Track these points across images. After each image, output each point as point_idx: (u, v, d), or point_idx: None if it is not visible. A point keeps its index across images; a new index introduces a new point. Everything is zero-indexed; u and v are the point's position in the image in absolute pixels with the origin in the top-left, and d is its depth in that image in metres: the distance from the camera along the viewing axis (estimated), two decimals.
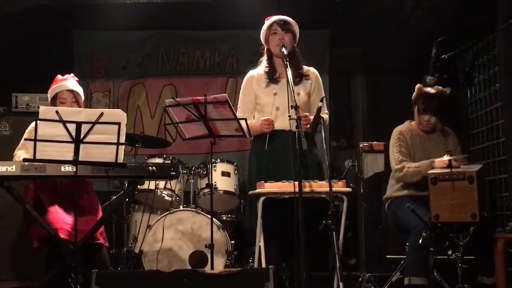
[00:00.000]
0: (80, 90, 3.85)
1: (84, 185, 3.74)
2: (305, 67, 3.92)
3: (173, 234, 4.37)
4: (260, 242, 3.57)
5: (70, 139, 3.11)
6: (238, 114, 3.70)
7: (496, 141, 4.70)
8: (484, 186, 3.97)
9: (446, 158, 3.68)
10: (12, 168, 3.24)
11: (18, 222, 4.26)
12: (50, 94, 3.81)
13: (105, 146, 3.16)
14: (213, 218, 3.99)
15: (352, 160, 4.55)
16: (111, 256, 4.35)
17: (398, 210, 3.93)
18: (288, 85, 3.48)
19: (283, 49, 3.65)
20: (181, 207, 4.55)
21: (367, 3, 5.17)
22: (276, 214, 3.56)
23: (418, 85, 4.04)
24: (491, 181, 4.71)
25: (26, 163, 3.25)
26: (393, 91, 5.64)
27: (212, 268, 3.71)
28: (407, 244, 3.78)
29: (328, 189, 3.32)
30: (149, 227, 4.37)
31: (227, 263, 4.38)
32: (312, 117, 3.67)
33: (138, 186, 4.20)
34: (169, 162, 4.57)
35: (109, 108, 5.60)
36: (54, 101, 3.79)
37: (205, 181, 4.66)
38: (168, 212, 4.44)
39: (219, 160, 4.77)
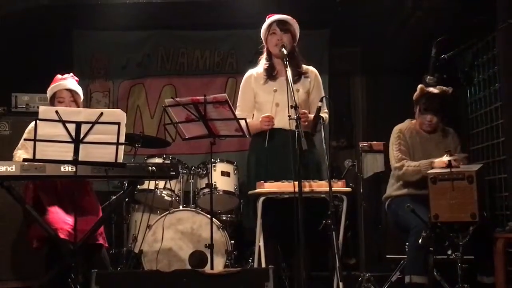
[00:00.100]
0: (79, 89, 3.85)
1: (84, 185, 3.74)
2: (304, 66, 3.92)
3: (173, 234, 4.37)
4: (259, 242, 3.57)
5: (69, 139, 3.11)
6: (237, 113, 3.69)
7: (495, 141, 4.69)
8: (483, 186, 3.97)
9: (445, 158, 3.68)
10: (12, 168, 3.24)
11: (18, 222, 4.26)
12: (49, 93, 3.82)
13: (104, 146, 3.16)
14: (213, 218, 3.99)
15: (351, 160, 4.55)
16: (111, 256, 4.36)
17: (398, 209, 3.93)
18: (288, 85, 3.48)
19: (283, 49, 3.65)
20: (180, 207, 4.55)
21: (367, 3, 5.16)
22: (276, 214, 3.56)
23: (420, 85, 4.03)
24: (490, 181, 4.70)
25: (26, 163, 3.25)
26: (393, 91, 5.64)
27: (211, 268, 3.71)
28: (407, 244, 3.79)
29: (328, 189, 3.32)
30: (148, 227, 4.37)
31: (227, 263, 4.38)
32: (311, 116, 3.67)
33: (138, 186, 4.18)
34: (169, 162, 4.57)
35: (108, 108, 5.59)
36: (52, 100, 3.80)
37: (204, 181, 4.66)
38: (167, 212, 4.44)
39: (218, 160, 4.77)
